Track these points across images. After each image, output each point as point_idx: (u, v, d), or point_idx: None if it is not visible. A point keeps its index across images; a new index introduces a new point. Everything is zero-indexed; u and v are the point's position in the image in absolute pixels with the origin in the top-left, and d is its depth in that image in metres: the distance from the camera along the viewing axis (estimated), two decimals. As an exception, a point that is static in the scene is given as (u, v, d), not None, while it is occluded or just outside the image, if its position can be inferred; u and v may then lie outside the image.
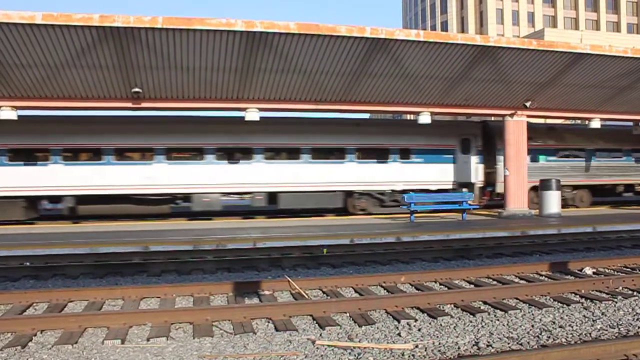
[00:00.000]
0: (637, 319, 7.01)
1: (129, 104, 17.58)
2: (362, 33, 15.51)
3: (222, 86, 17.35)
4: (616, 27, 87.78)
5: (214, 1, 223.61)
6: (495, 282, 9.63)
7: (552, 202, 21.09)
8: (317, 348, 6.01)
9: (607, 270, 10.59)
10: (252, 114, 18.38)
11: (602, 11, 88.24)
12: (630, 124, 25.15)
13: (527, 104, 20.46)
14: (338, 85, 18.04)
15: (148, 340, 6.38)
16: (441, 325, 6.86)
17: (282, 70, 16.77)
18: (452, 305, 7.89)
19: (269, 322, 7.18)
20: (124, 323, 6.90)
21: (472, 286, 9.32)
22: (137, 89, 16.77)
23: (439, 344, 6.11)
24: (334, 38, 15.51)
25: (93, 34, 14.32)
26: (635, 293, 8.59)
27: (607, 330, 6.58)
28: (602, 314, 7.29)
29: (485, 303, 8.00)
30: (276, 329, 6.81)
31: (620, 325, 6.76)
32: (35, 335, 6.63)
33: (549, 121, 27.07)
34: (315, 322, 7.14)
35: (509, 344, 6.10)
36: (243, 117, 18.46)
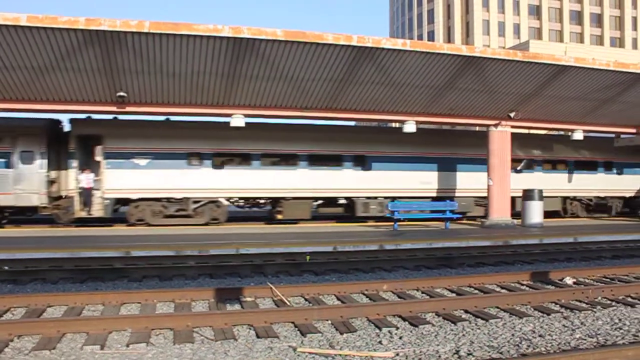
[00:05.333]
0: (616, 329, 7.07)
1: (114, 108, 17.48)
2: (348, 41, 15.58)
3: (207, 92, 17.32)
4: (600, 40, 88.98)
5: (202, 6, 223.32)
6: (476, 291, 9.68)
7: (535, 212, 21.27)
8: (298, 355, 6.00)
9: (587, 280, 10.70)
10: (238, 120, 18.36)
11: (587, 25, 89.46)
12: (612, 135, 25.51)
13: (512, 115, 20.64)
14: (324, 93, 18.08)
15: (128, 346, 6.33)
16: (422, 333, 6.87)
17: (269, 76, 16.78)
18: (434, 314, 7.91)
19: (250, 328, 7.15)
20: (104, 328, 6.84)
21: (453, 295, 9.36)
22: (122, 93, 16.69)
23: (420, 352, 6.12)
24: (321, 46, 15.56)
25: (79, 37, 14.24)
26: (614, 303, 8.68)
27: (585, 339, 6.63)
28: (582, 323, 7.35)
29: (466, 312, 8.03)
30: (257, 336, 6.79)
31: (599, 334, 6.82)
32: (12, 340, 6.54)
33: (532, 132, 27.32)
34: (296, 329, 7.13)
35: (489, 352, 6.12)
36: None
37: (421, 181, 23.78)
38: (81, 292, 8.94)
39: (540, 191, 21.49)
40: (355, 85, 17.82)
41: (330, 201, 23.42)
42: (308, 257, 12.73)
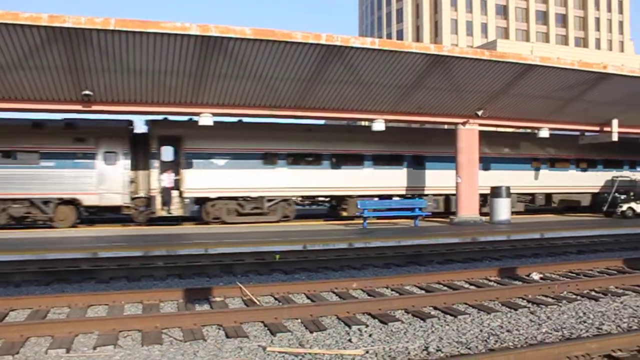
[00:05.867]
0: (580, 322, 7.21)
1: (79, 107, 17.18)
2: (317, 40, 15.58)
3: (175, 90, 17.14)
4: (565, 40, 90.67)
5: (170, 3, 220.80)
6: (445, 288, 9.75)
7: (502, 209, 21.57)
8: (268, 355, 5.97)
9: (553, 276, 10.88)
10: (206, 119, 18.22)
11: (552, 25, 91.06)
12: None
13: (479, 113, 20.90)
14: (293, 91, 18.05)
15: (94, 349, 6.23)
16: (392, 330, 6.90)
17: (237, 75, 16.69)
18: (403, 311, 7.95)
19: (219, 328, 7.10)
20: (70, 332, 6.71)
21: (423, 292, 9.41)
22: (87, 92, 16.41)
23: (389, 349, 6.15)
24: (290, 44, 15.52)
25: (42, 34, 13.95)
26: (578, 297, 8.84)
27: (552, 333, 6.75)
28: (548, 317, 7.47)
29: (435, 308, 8.09)
30: (227, 336, 6.75)
31: (564, 328, 6.94)
32: (-27, 345, 6.38)
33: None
34: (266, 328, 7.11)
35: (458, 348, 6.19)
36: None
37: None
38: (46, 294, 8.76)
39: (508, 188, 21.81)
40: (324, 84, 17.83)
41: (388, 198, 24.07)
42: (277, 256, 12.69)
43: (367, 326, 7.11)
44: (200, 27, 14.50)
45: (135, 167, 21.53)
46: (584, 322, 7.24)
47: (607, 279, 10.07)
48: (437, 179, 24.28)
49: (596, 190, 28.19)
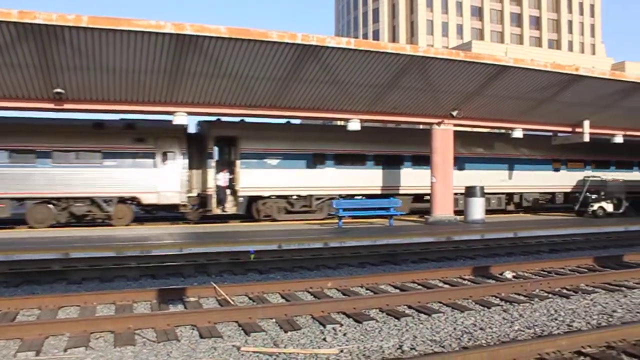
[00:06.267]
0: (552, 320, 7.32)
1: (51, 105, 16.88)
2: (293, 39, 15.54)
3: (149, 89, 16.96)
4: (538, 42, 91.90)
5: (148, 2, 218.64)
6: (420, 287, 9.83)
7: (477, 208, 21.77)
8: (242, 355, 5.95)
9: (526, 274, 11.05)
10: (181, 118, 18.08)
11: (526, 27, 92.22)
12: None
13: (454, 113, 21.05)
14: (269, 91, 17.99)
15: (65, 351, 6.15)
16: (366, 329, 6.92)
17: (213, 74, 16.57)
18: (378, 310, 7.99)
19: (193, 329, 7.07)
20: (40, 334, 6.61)
21: (397, 291, 9.47)
22: (59, 90, 16.14)
23: (364, 348, 6.17)
24: (265, 43, 15.46)
25: (12, 31, 13.68)
26: (550, 295, 8.98)
27: (524, 331, 6.83)
28: (520, 315, 7.56)
29: (410, 307, 8.15)
30: (201, 336, 6.72)
31: (536, 326, 7.04)
32: (-62, 349, 6.25)
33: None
34: (240, 328, 7.09)
35: (431, 346, 6.23)
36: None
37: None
38: (16, 296, 8.62)
39: (482, 188, 22.03)
40: (300, 83, 17.81)
41: (420, 197, 25.17)
42: (252, 256, 12.65)
43: (341, 325, 7.12)
44: (175, 25, 14.37)
45: (194, 166, 22.31)
46: (555, 319, 7.35)
47: (578, 277, 10.24)
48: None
49: (568, 190, 28.62)
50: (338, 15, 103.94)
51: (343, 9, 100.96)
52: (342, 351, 6.06)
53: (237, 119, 21.63)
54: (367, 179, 24.21)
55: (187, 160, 21.90)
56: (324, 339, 6.50)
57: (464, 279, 10.57)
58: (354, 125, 20.39)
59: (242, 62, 16.15)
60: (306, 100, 19.02)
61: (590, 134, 24.22)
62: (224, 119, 21.58)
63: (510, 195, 27.61)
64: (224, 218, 24.22)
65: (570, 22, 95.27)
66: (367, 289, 9.58)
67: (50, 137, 20.21)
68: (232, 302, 8.51)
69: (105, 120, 21.50)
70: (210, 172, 22.10)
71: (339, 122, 25.19)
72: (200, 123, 23.58)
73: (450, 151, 21.96)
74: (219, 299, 8.77)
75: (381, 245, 15.04)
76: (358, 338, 6.55)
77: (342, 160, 24.13)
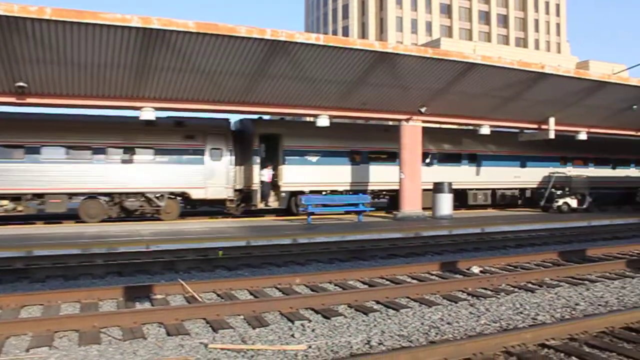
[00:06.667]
0: (517, 313, 7.42)
1: (12, 99, 16.47)
2: (262, 35, 15.45)
3: (115, 84, 16.70)
4: (506, 40, 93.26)
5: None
6: (388, 282, 9.88)
7: (445, 204, 21.98)
8: (210, 352, 5.89)
9: (492, 269, 11.17)
10: (148, 114, 17.84)
11: (494, 25, 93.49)
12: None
13: (422, 110, 21.21)
14: (237, 86, 17.87)
15: (27, 351, 6.00)
16: (335, 325, 6.92)
17: (180, 69, 16.39)
18: (346, 306, 8.00)
19: (160, 326, 6.98)
20: (0, 334, 6.45)
21: (366, 286, 9.50)
22: (21, 84, 15.76)
23: (332, 343, 6.17)
24: (234, 39, 15.33)
25: (-30, 23, 13.31)
26: (516, 289, 9.11)
27: (490, 325, 6.92)
28: (487, 309, 7.65)
29: (378, 302, 8.18)
30: (168, 334, 6.64)
31: (502, 319, 7.13)
32: None
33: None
34: (208, 325, 7.03)
35: (399, 341, 6.26)
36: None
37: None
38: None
39: (450, 184, 22.26)
40: (269, 79, 17.73)
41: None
42: (220, 253, 12.56)
43: (310, 321, 7.12)
44: (141, 19, 14.15)
45: (236, 162, 23.19)
46: (521, 313, 7.46)
47: (543, 271, 10.42)
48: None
49: (535, 186, 29.10)
50: (308, 11, 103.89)
51: (313, 4, 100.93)
52: (310, 347, 6.05)
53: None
54: (395, 175, 24.60)
55: (233, 157, 22.80)
56: (293, 335, 6.48)
57: (432, 275, 10.66)
58: (323, 121, 20.39)
59: (210, 57, 16.00)
60: (275, 96, 18.95)
61: (556, 130, 24.66)
62: (266, 117, 22.65)
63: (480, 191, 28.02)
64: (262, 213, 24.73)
65: (536, 21, 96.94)
66: (335, 285, 9.59)
67: (105, 134, 20.89)
68: (200, 299, 8.44)
69: (157, 118, 21.56)
70: (255, 168, 23.10)
71: (308, 118, 25.18)
72: (242, 121, 24.47)
73: (419, 147, 22.13)
74: (187, 296, 8.69)
75: (350, 241, 15.07)
76: (326, 334, 6.55)
77: (378, 157, 25.40)
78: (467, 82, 19.87)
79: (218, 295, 8.84)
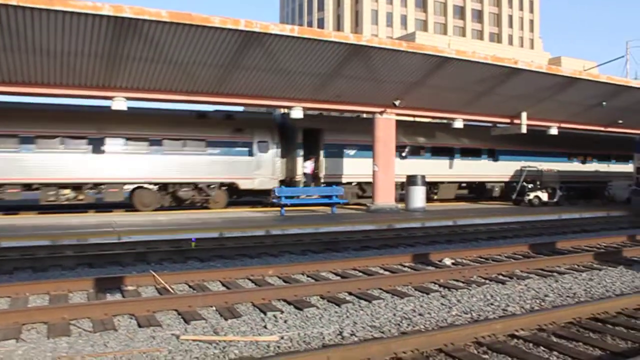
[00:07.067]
0: (488, 305, 7.53)
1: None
2: (236, 25, 15.30)
3: (86, 73, 16.40)
4: (480, 35, 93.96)
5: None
6: (361, 274, 9.92)
7: (418, 196, 22.13)
8: (182, 343, 5.87)
9: (464, 261, 11.30)
10: (119, 104, 17.59)
11: (468, 20, 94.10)
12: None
13: (396, 103, 21.27)
14: (211, 77, 17.71)
15: (-5, 343, 5.90)
16: (307, 316, 6.94)
17: (153, 59, 16.16)
18: (319, 297, 8.03)
19: (131, 318, 6.92)
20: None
21: (338, 278, 9.53)
22: (-13, 71, 15.41)
23: (304, 334, 6.19)
24: (207, 29, 15.15)
25: None
26: (487, 281, 9.23)
27: (461, 316, 7.01)
28: (458, 301, 7.74)
29: (350, 294, 8.21)
30: (139, 325, 6.59)
31: (473, 311, 7.23)
32: None
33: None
34: (180, 316, 6.99)
35: (371, 332, 6.30)
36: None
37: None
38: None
39: (423, 177, 22.42)
40: (242, 70, 17.60)
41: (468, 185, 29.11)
42: (193, 244, 12.49)
43: (282, 312, 7.13)
44: (113, 7, 13.88)
45: (284, 155, 24.31)
46: (492, 304, 7.56)
47: (513, 263, 10.57)
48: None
49: (507, 179, 29.45)
50: (283, 3, 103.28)
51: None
52: (282, 338, 6.06)
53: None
54: (423, 168, 26.01)
55: (279, 150, 23.90)
56: (265, 327, 6.48)
57: (404, 266, 10.74)
58: (297, 113, 20.35)
59: (184, 47, 15.81)
60: (249, 88, 18.83)
61: (528, 125, 24.96)
62: (308, 112, 22.96)
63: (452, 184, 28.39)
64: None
65: (510, 17, 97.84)
66: (308, 276, 9.61)
67: (161, 126, 21.81)
68: (172, 291, 8.38)
69: (207, 111, 23.52)
70: (299, 160, 24.26)
71: (282, 110, 25.19)
72: (284, 115, 25.14)
73: (392, 140, 22.22)
74: (159, 287, 8.62)
75: (323, 233, 15.10)
76: (299, 325, 6.56)
77: (412, 150, 26.91)
78: (441, 76, 19.96)
79: (190, 286, 8.79)
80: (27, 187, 20.37)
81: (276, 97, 19.85)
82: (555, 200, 26.75)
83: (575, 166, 32.18)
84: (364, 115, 24.95)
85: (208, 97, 18.93)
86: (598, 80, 23.10)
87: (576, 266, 10.72)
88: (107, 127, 20.87)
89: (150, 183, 21.85)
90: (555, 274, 9.85)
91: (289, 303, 7.63)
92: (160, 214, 20.13)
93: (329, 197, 21.65)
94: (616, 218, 21.13)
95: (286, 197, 20.64)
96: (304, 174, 24.31)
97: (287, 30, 16.26)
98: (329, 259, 11.40)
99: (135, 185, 21.76)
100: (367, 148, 24.31)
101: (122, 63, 16.12)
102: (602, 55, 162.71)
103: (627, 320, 6.79)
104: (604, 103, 24.48)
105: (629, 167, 30.89)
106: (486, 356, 5.56)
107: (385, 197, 22.00)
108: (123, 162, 21.11)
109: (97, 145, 20.77)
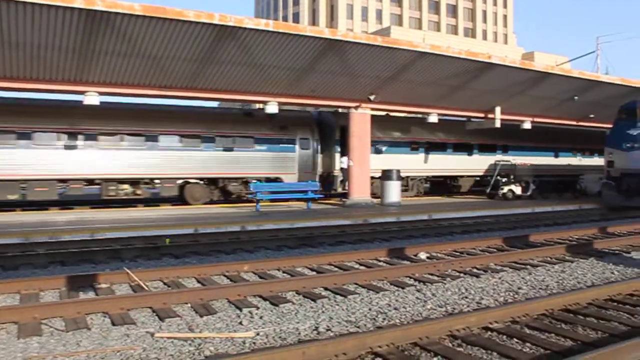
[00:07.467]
0: (463, 298, 7.59)
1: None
2: (210, 19, 15.18)
3: (57, 67, 16.12)
4: (455, 30, 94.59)
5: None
6: (336, 269, 9.93)
7: (393, 191, 22.21)
8: (156, 341, 5.82)
9: (439, 255, 11.37)
10: (92, 99, 17.33)
11: (443, 15, 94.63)
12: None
13: (371, 97, 21.32)
14: (185, 72, 17.55)
15: (-38, 344, 5.78)
16: (283, 312, 6.93)
17: (126, 53, 15.96)
18: (294, 292, 8.01)
19: (105, 316, 6.83)
20: None
21: (314, 273, 9.53)
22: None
23: (280, 330, 6.18)
24: (182, 23, 15.01)
25: None
26: (462, 275, 9.31)
27: (436, 309, 7.05)
28: (433, 295, 7.80)
29: (326, 289, 8.21)
30: (113, 324, 6.50)
31: (448, 304, 7.28)
32: None
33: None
34: (155, 314, 6.92)
35: (347, 327, 6.31)
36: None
37: None
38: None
39: (398, 171, 22.51)
40: (217, 65, 17.48)
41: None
42: (168, 240, 12.39)
43: (258, 308, 7.10)
44: (85, 0, 13.68)
45: (323, 151, 25.45)
46: (466, 297, 7.63)
47: (488, 256, 10.65)
48: None
49: (481, 173, 29.72)
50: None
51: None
52: (258, 334, 6.04)
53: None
54: (445, 163, 28.47)
55: (319, 146, 25.18)
56: (240, 323, 6.46)
57: (380, 261, 10.77)
58: (272, 108, 20.29)
59: (157, 41, 15.64)
60: (223, 82, 18.70)
61: (501, 119, 25.22)
62: (341, 111, 24.95)
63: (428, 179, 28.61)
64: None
65: (484, 12, 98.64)
66: (284, 272, 9.59)
67: (214, 124, 22.96)
68: (146, 288, 8.30)
69: (254, 109, 25.48)
70: (336, 156, 25.38)
71: (257, 105, 25.09)
72: (321, 113, 27.00)
73: (368, 135, 22.28)
74: (133, 284, 8.53)
75: (299, 229, 15.08)
76: (274, 321, 6.55)
77: (431, 147, 28.13)
78: (416, 70, 20.07)
79: (165, 283, 8.72)
80: (90, 182, 21.08)
81: (251, 92, 19.75)
82: (528, 193, 27.10)
83: (547, 160, 32.61)
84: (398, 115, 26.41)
85: (182, 92, 18.76)
86: (570, 75, 23.45)
87: (549, 259, 10.86)
88: (164, 124, 21.93)
89: (202, 178, 22.88)
90: (528, 266, 9.98)
91: (265, 299, 7.60)
92: (134, 210, 19.93)
93: (304, 192, 21.60)
94: (588, 211, 21.47)
95: (262, 193, 20.56)
96: (341, 169, 25.06)
97: (262, 24, 16.18)
98: (304, 255, 11.39)
99: (185, 180, 22.63)
100: (395, 145, 26.81)
101: (95, 57, 15.89)
102: (574, 50, 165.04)
103: (598, 310, 6.91)
104: (576, 98, 24.86)
105: (600, 161, 31.39)
106: (460, 349, 5.60)
107: (360, 192, 22.06)
108: (178, 158, 22.07)
109: (154, 142, 21.77)
